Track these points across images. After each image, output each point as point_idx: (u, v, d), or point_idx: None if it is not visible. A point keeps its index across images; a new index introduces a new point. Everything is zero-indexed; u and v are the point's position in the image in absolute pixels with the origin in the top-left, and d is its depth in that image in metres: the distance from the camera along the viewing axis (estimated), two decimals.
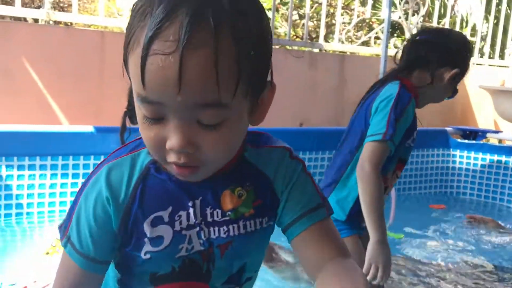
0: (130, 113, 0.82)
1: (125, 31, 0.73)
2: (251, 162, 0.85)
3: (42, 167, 2.58)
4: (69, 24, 3.81)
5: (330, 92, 4.91)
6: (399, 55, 1.92)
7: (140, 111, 0.72)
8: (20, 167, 2.53)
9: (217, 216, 0.83)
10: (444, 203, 3.75)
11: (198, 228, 0.82)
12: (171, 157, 0.73)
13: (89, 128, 2.69)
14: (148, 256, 0.81)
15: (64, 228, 0.84)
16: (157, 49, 0.64)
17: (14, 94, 3.43)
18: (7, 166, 2.51)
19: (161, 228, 0.81)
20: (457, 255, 2.71)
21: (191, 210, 0.81)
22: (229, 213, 0.83)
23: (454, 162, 3.98)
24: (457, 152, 3.96)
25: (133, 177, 0.81)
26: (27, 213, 2.56)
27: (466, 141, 4.04)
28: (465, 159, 3.94)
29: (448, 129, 4.03)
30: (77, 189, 0.85)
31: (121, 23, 3.98)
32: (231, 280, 0.88)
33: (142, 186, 0.81)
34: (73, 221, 0.82)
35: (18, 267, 2.11)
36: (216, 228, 0.83)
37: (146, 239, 0.80)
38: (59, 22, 3.79)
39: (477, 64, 5.82)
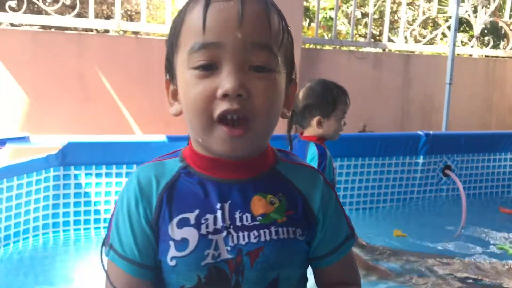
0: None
1: (170, 27, 0.84)
2: (283, 174, 0.88)
3: (118, 175, 2.70)
4: (138, 33, 3.95)
5: (394, 93, 4.82)
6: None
7: (187, 74, 0.78)
8: (98, 175, 2.66)
9: (247, 221, 0.81)
10: None
11: (225, 233, 0.80)
12: (223, 105, 0.75)
13: (161, 138, 2.79)
14: (174, 262, 0.80)
15: (106, 237, 0.86)
16: None
17: (88, 100, 3.61)
18: (86, 174, 2.65)
19: (187, 230, 0.80)
20: None
21: (218, 213, 0.81)
22: (260, 217, 0.82)
23: None
24: None
25: (161, 180, 0.84)
26: (104, 219, 2.70)
27: None
28: None
29: None
30: None
31: None
32: None
33: (171, 189, 0.83)
34: (113, 227, 0.84)
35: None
36: (246, 233, 0.81)
37: (171, 242, 0.80)
38: (128, 31, 3.93)
39: None
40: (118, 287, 0.83)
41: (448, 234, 2.95)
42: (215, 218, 0.81)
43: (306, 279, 0.95)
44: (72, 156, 2.59)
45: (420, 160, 3.42)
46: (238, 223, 0.81)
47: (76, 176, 2.62)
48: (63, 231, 2.62)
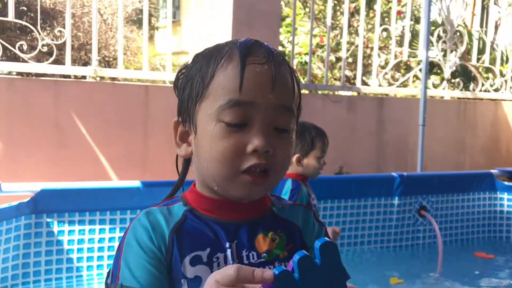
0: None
1: (188, 76, 0.90)
2: (279, 214, 0.95)
3: (91, 222, 2.66)
4: (115, 78, 3.99)
5: (369, 135, 4.90)
6: None
7: (215, 127, 0.83)
8: (71, 223, 2.63)
9: (253, 258, 0.87)
10: (493, 248, 3.63)
11: None
12: (252, 160, 0.83)
13: (135, 183, 2.78)
14: None
15: (114, 278, 0.85)
16: (253, 60, 0.84)
17: (65, 148, 3.59)
18: (58, 222, 2.61)
19: (200, 268, 0.84)
20: None
21: (228, 252, 0.86)
22: (264, 254, 0.88)
23: (502, 205, 3.86)
24: (505, 195, 3.85)
25: (170, 220, 0.87)
26: (77, 268, 2.64)
27: None
28: None
29: (494, 171, 3.93)
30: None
31: (164, 76, 4.14)
32: None
33: (180, 229, 0.86)
34: (122, 267, 0.84)
35: None
36: None
37: (183, 280, 0.83)
38: (105, 78, 3.97)
39: None
40: None
41: (427, 277, 2.96)
42: (225, 256, 0.85)
43: None
44: (44, 204, 2.55)
45: (396, 201, 3.46)
46: (245, 261, 0.86)
47: (48, 224, 2.58)
48: (33, 282, 2.55)
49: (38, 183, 2.61)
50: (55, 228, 2.60)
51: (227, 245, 0.86)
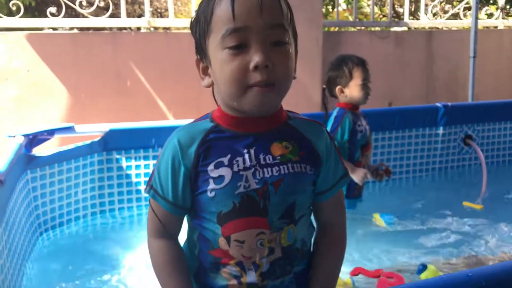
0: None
1: (196, 18, 1.08)
2: (295, 126, 1.12)
3: (155, 157, 2.97)
4: (167, 28, 4.22)
5: (418, 70, 4.90)
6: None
7: (222, 54, 1.00)
8: (137, 158, 2.95)
9: (269, 160, 1.06)
10: None
11: (253, 170, 1.05)
12: (256, 77, 0.98)
13: (190, 121, 3.04)
14: (213, 194, 1.05)
15: (148, 179, 1.12)
16: None
17: (126, 94, 3.91)
18: (126, 158, 2.93)
19: (222, 169, 1.05)
20: None
21: (246, 156, 1.05)
22: (279, 157, 1.07)
23: None
24: None
25: (197, 137, 1.07)
26: (145, 198, 2.98)
27: None
28: None
29: None
30: None
31: None
32: (286, 215, 1.07)
33: (205, 142, 1.06)
34: (155, 173, 1.10)
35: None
36: (269, 169, 1.06)
37: (210, 179, 1.05)
38: (158, 28, 4.20)
39: None
40: (157, 218, 1.12)
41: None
42: (244, 159, 1.05)
43: (313, 227, 1.20)
44: (113, 142, 2.88)
45: (440, 131, 3.54)
46: (262, 162, 1.06)
47: (117, 160, 2.91)
48: (108, 210, 2.92)
49: (107, 124, 2.92)
50: (124, 163, 2.93)
51: (245, 151, 1.06)
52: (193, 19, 1.11)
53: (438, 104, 3.54)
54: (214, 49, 1.03)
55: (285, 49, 1.03)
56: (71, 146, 2.73)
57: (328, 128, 2.61)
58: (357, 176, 2.58)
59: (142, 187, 2.97)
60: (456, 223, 2.68)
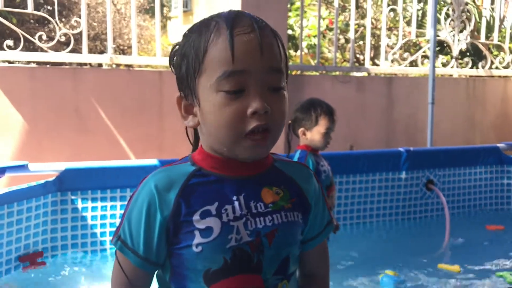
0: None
1: (182, 53, 0.97)
2: (282, 170, 1.04)
3: (113, 199, 2.84)
4: (130, 65, 4.15)
5: (378, 114, 5.00)
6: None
7: (217, 97, 0.91)
8: (94, 200, 2.80)
9: (261, 208, 0.96)
10: (500, 220, 3.72)
11: (244, 219, 0.94)
12: (253, 122, 0.91)
13: (153, 161, 2.94)
14: (199, 248, 0.92)
15: (116, 229, 0.97)
16: (240, 31, 0.91)
17: (85, 132, 3.77)
18: (82, 199, 2.78)
19: (210, 220, 0.92)
20: None
21: (236, 204, 0.94)
22: (271, 205, 0.97)
23: (509, 178, 3.95)
24: None
25: (177, 181, 0.95)
26: (101, 242, 2.82)
27: None
28: None
29: (501, 145, 4.01)
30: None
31: None
32: (280, 271, 0.98)
33: (188, 187, 0.94)
34: (124, 222, 0.96)
35: None
36: (262, 218, 0.95)
37: (196, 231, 0.92)
38: (121, 65, 4.13)
39: None
40: (123, 274, 0.97)
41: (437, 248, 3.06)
42: (233, 208, 0.94)
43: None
44: (69, 182, 2.73)
45: (403, 175, 3.57)
46: (254, 210, 0.95)
47: (72, 201, 2.76)
48: (61, 254, 2.74)
49: (63, 163, 2.78)
50: (79, 204, 2.78)
51: (235, 197, 0.95)
52: (175, 51, 1.01)
53: (401, 149, 3.58)
54: (207, 91, 0.93)
55: (282, 94, 0.96)
56: (23, 185, 2.57)
57: None
58: None
59: (98, 230, 2.81)
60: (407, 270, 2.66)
